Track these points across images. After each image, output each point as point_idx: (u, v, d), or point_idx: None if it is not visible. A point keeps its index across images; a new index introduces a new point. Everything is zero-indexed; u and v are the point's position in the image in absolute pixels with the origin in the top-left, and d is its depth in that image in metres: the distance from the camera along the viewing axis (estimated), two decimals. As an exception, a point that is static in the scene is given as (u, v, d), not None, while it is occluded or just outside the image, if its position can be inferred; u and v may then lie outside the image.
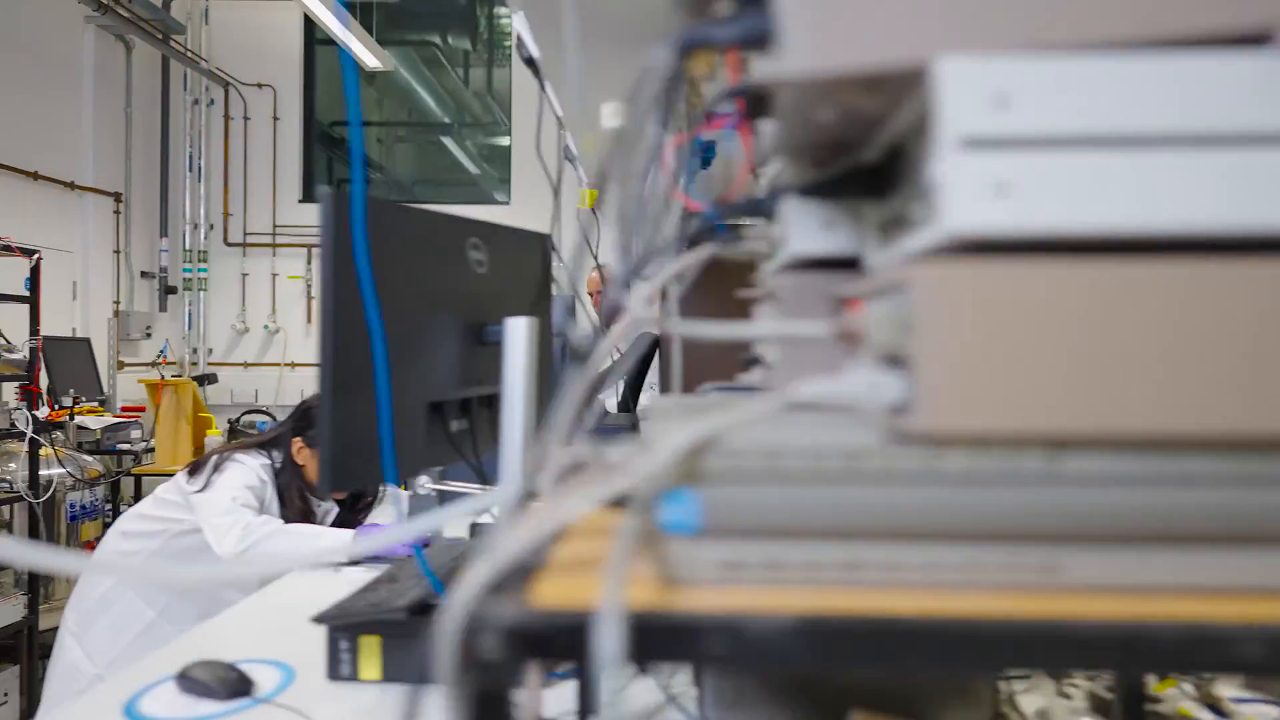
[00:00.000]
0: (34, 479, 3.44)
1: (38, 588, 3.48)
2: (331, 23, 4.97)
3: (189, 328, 6.41)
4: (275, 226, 6.54)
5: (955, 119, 0.47)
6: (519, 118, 6.57)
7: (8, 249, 3.36)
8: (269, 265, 6.54)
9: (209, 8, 6.33)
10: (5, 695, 3.38)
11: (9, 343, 3.42)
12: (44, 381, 3.80)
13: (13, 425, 3.38)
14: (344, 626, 1.30)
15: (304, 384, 6.40)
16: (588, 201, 2.70)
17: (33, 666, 3.55)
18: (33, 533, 3.80)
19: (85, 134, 5.61)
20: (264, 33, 6.53)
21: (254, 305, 6.54)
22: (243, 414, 5.23)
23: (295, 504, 2.25)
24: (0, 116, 4.81)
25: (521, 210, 6.50)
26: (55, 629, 2.37)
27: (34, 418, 3.42)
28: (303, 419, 2.31)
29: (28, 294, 3.52)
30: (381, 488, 2.38)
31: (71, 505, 3.80)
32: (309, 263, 6.49)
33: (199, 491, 2.20)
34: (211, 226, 6.51)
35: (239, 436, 4.58)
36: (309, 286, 6.50)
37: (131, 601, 2.26)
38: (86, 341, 4.93)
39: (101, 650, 2.24)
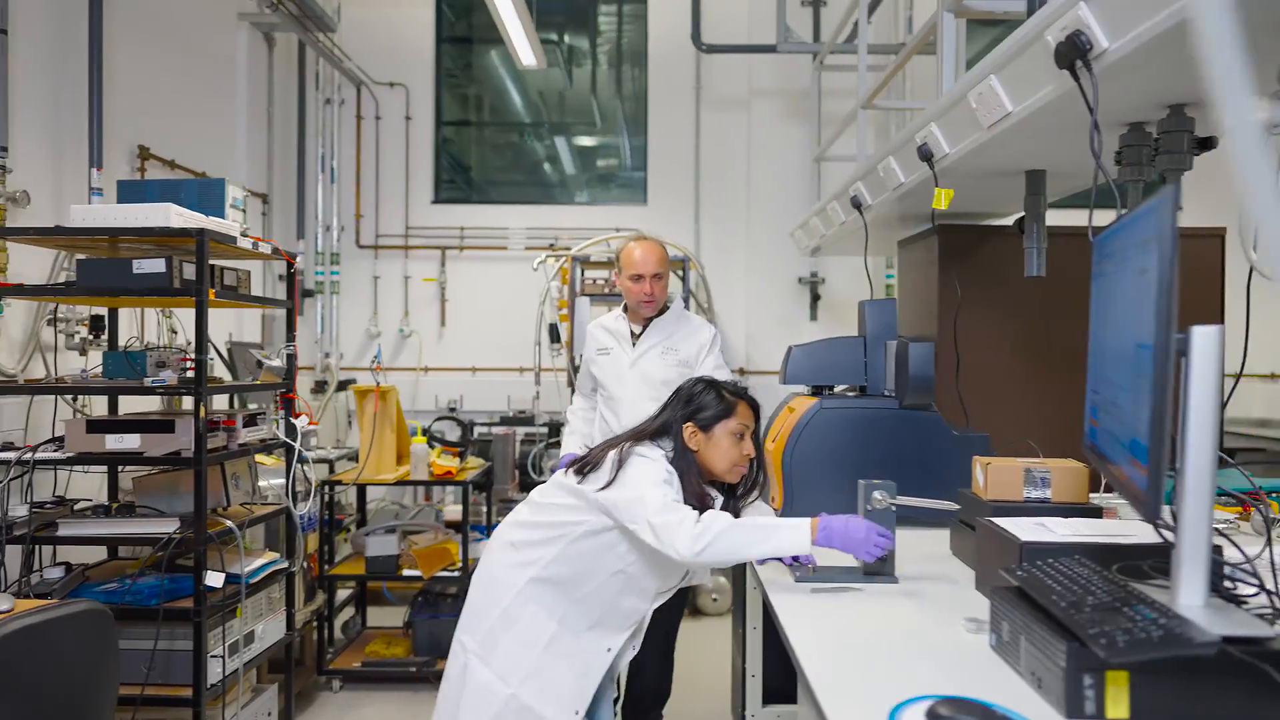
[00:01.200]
0: (290, 489, 3.32)
1: (292, 601, 3.36)
2: (507, 13, 4.85)
3: (321, 331, 6.29)
4: (408, 228, 6.42)
5: None
6: (657, 118, 6.46)
7: (275, 251, 3.23)
8: (401, 268, 6.42)
9: (341, 5, 6.20)
10: (269, 715, 3.26)
11: (265, 351, 3.30)
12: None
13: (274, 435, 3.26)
14: (1115, 663, 1.20)
15: (438, 389, 6.30)
16: (944, 202, 2.60)
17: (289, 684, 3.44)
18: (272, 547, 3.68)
19: (239, 133, 5.48)
20: (396, 30, 6.41)
21: (386, 309, 6.42)
22: (435, 420, 5.10)
23: (694, 490, 2.17)
24: (162, 114, 4.68)
25: (660, 211, 6.40)
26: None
27: (294, 426, 3.31)
28: (690, 403, 2.24)
29: (284, 299, 3.40)
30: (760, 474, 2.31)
31: (300, 518, 3.68)
32: (443, 265, 6.38)
33: (604, 489, 2.11)
34: (343, 229, 6.38)
35: (435, 446, 4.47)
36: (442, 289, 6.39)
37: (535, 615, 2.17)
38: (259, 346, 4.80)
39: (513, 668, 2.15)
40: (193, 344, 3.90)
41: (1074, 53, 1.68)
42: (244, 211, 3.17)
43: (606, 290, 5.43)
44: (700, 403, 2.21)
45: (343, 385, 6.00)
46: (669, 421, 2.24)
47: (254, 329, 5.60)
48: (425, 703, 4.09)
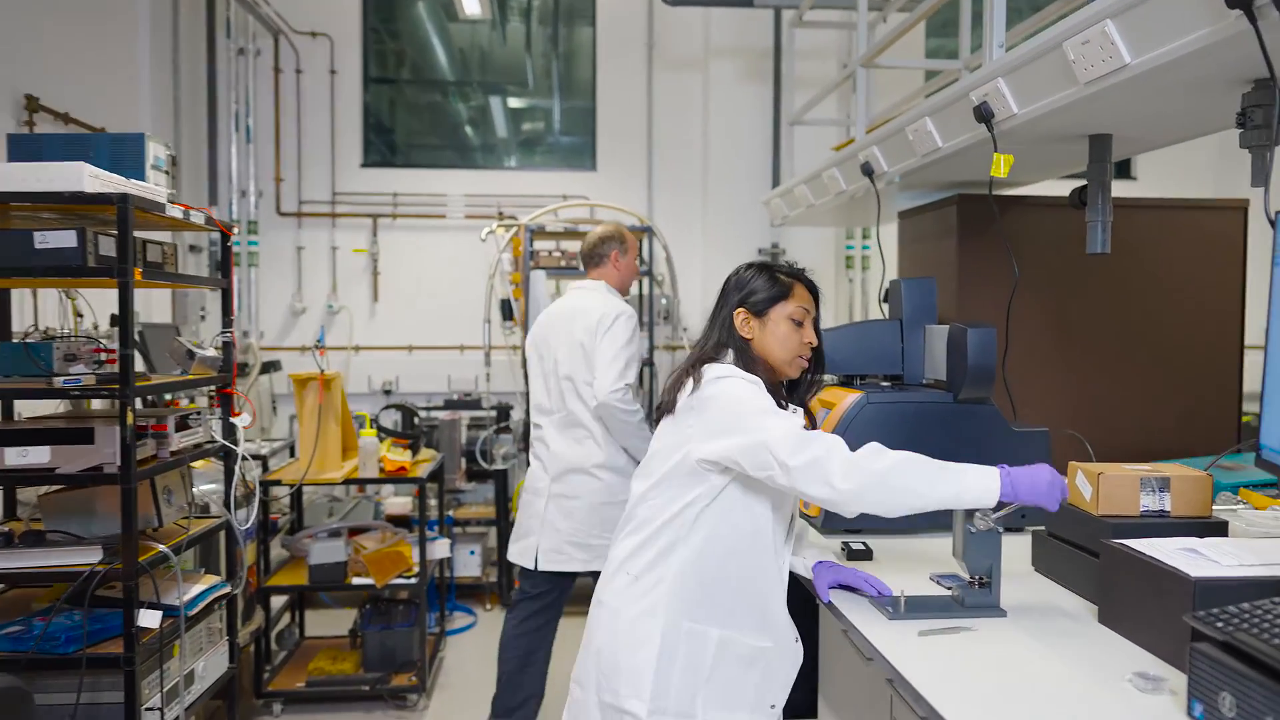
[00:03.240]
0: (231, 499, 2.85)
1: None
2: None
3: (239, 308, 5.69)
4: (334, 194, 5.86)
5: None
6: (607, 77, 6.03)
7: (208, 220, 2.73)
8: (328, 237, 5.86)
9: (255, -57, 5.55)
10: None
11: (197, 342, 2.80)
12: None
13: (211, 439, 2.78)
14: None
15: (371, 369, 5.80)
16: (1003, 169, 2.30)
17: None
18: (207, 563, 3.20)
19: (141, 85, 4.83)
20: (317, -26, 5.80)
21: (312, 282, 5.86)
22: (383, 408, 4.60)
23: (769, 389, 1.84)
24: (52, 61, 4.04)
25: (610, 178, 6.00)
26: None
27: (234, 427, 2.83)
28: (737, 289, 1.93)
29: (219, 277, 2.90)
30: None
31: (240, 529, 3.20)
32: (374, 234, 5.85)
33: (706, 445, 1.76)
34: (261, 194, 5.78)
35: (384, 438, 4.00)
36: (374, 260, 5.86)
37: (693, 634, 1.79)
38: (175, 328, 4.25)
39: (689, 700, 1.78)
40: (103, 329, 3.37)
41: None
42: (168, 174, 2.65)
43: (563, 263, 5.02)
44: (752, 286, 1.91)
45: (266, 368, 5.44)
46: (721, 320, 1.92)
47: (164, 308, 5.00)
48: (380, 726, 3.68)
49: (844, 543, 2.16)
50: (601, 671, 1.83)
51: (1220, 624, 1.26)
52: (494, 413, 5.29)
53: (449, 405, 5.44)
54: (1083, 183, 2.44)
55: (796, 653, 1.89)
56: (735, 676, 1.79)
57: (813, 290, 1.94)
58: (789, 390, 1.95)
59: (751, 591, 1.82)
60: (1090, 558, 1.77)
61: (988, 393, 2.29)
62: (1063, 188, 3.57)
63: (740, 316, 1.90)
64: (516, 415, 5.36)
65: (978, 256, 3.03)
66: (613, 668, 1.80)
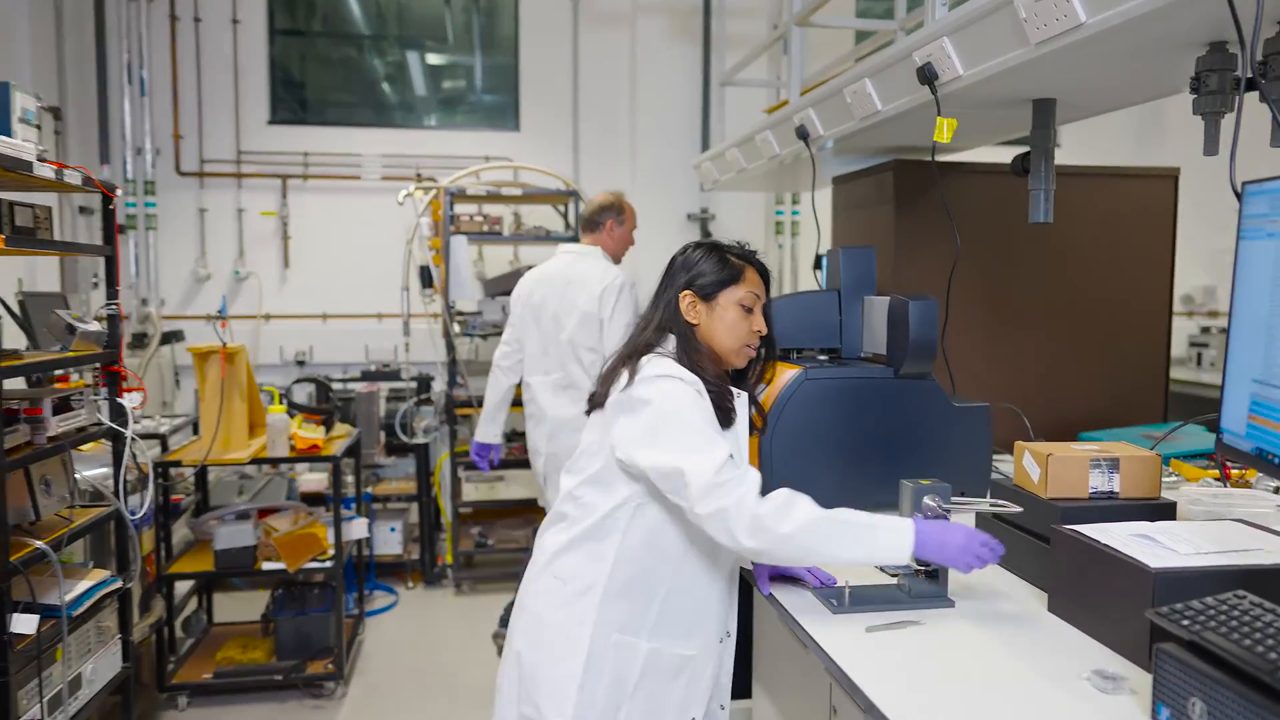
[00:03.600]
0: (121, 485, 2.62)
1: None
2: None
3: (136, 274, 5.33)
4: (239, 153, 5.50)
5: None
6: (530, 34, 5.78)
7: (86, 181, 2.46)
8: (233, 199, 5.51)
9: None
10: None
11: (78, 317, 2.54)
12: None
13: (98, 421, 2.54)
14: None
15: (283, 339, 5.51)
16: (946, 134, 2.21)
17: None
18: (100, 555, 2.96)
19: (19, 30, 4.42)
20: (216, -86, 5.39)
21: (217, 247, 5.51)
22: (295, 381, 4.32)
23: (713, 384, 1.71)
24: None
25: (534, 139, 5.77)
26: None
27: (122, 407, 2.59)
28: (684, 269, 1.79)
29: (101, 244, 2.63)
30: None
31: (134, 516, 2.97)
32: (284, 196, 5.52)
33: (629, 447, 1.63)
34: (159, 152, 5.39)
35: (295, 413, 3.77)
36: (284, 224, 5.54)
37: (621, 646, 1.68)
38: (62, 297, 3.92)
39: (608, 717, 1.66)
40: (-27, 300, 3.06)
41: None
42: (39, 128, 2.38)
43: (486, 228, 4.81)
44: (700, 267, 1.77)
45: (167, 338, 5.11)
46: (665, 302, 1.78)
47: (51, 275, 4.63)
48: (292, 716, 3.50)
49: (782, 526, 2.06)
50: (522, 679, 1.70)
51: (1186, 622, 1.19)
52: (414, 384, 5.07)
53: (366, 377, 5.20)
54: (1025, 149, 2.36)
55: (721, 653, 1.80)
56: (660, 689, 1.69)
57: (764, 274, 1.82)
58: (735, 379, 1.82)
59: (686, 600, 1.71)
60: (1038, 542, 1.71)
61: (929, 368, 2.20)
62: (996, 154, 3.52)
63: (686, 300, 1.76)
64: (438, 387, 5.16)
65: (915, 224, 2.95)
66: (534, 678, 1.68)
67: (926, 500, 1.62)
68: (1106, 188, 3.09)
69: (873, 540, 1.55)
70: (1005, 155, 2.53)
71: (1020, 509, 1.63)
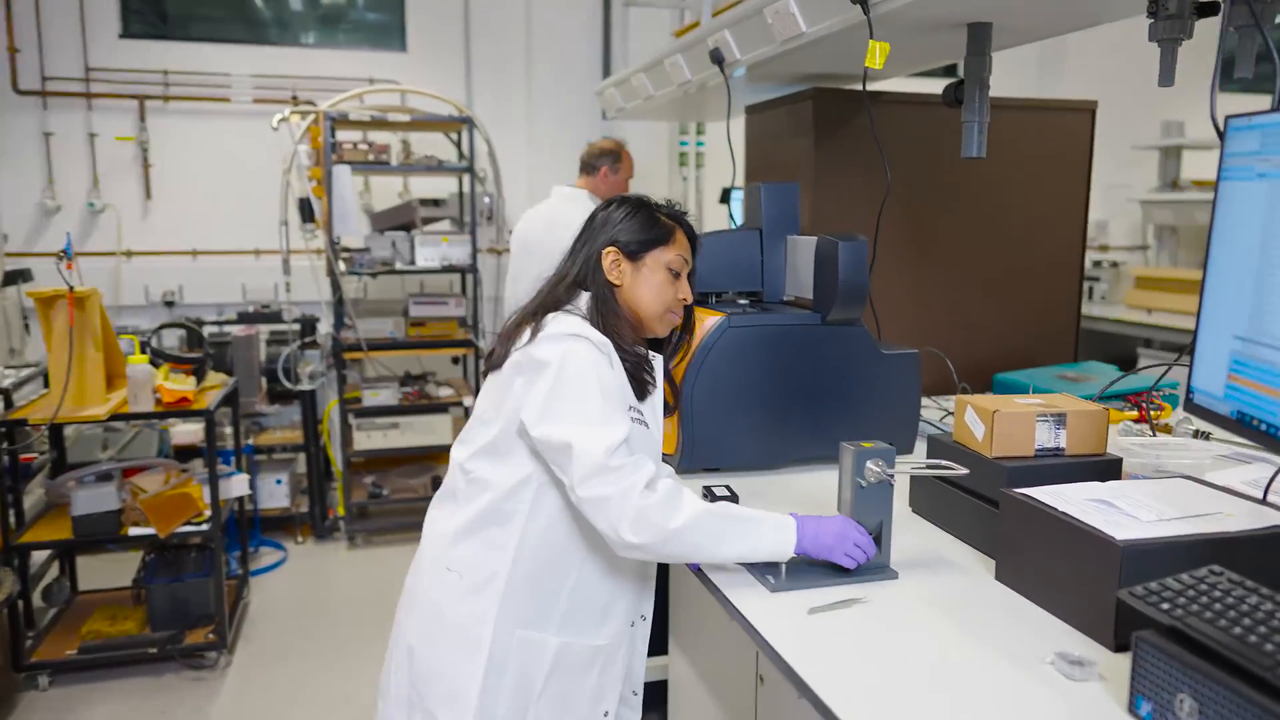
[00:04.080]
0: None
1: None
2: None
3: (-28, 206, 4.75)
4: (88, 69, 4.92)
5: None
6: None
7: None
8: (83, 122, 4.95)
9: None
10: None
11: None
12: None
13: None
14: None
15: (147, 278, 5.04)
16: (879, 59, 2.03)
17: None
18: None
19: None
20: None
21: (66, 176, 4.96)
22: (162, 327, 3.89)
23: (629, 352, 1.56)
24: None
25: (423, 61, 5.36)
26: None
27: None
28: (608, 225, 1.63)
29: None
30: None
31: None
32: (142, 119, 4.99)
33: (525, 415, 1.45)
34: (-8, 67, 4.78)
35: (160, 363, 3.40)
36: (144, 150, 5.02)
37: (527, 644, 1.52)
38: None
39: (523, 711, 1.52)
40: None
41: None
42: None
43: (372, 157, 4.44)
44: (628, 224, 1.61)
45: (12, 278, 4.59)
46: (586, 257, 1.61)
47: None
48: (170, 691, 3.24)
49: (705, 487, 1.91)
50: (414, 681, 1.52)
51: (1166, 606, 1.08)
52: (297, 326, 4.72)
53: (244, 319, 4.81)
54: (957, 79, 2.21)
55: (634, 637, 1.66)
56: (570, 686, 1.54)
57: (693, 239, 1.67)
58: (651, 349, 1.66)
59: (599, 588, 1.55)
60: (981, 504, 1.59)
61: (858, 312, 2.06)
62: (918, 85, 3.38)
63: (610, 257, 1.58)
64: (324, 329, 4.81)
65: (835, 157, 2.80)
66: (429, 680, 1.50)
67: (870, 465, 1.48)
68: (1024, 120, 2.98)
69: (757, 536, 1.43)
70: (926, 86, 2.39)
71: (966, 470, 1.51)
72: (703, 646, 2.24)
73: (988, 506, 1.57)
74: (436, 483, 4.73)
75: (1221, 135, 1.21)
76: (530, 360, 1.47)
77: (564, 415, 1.41)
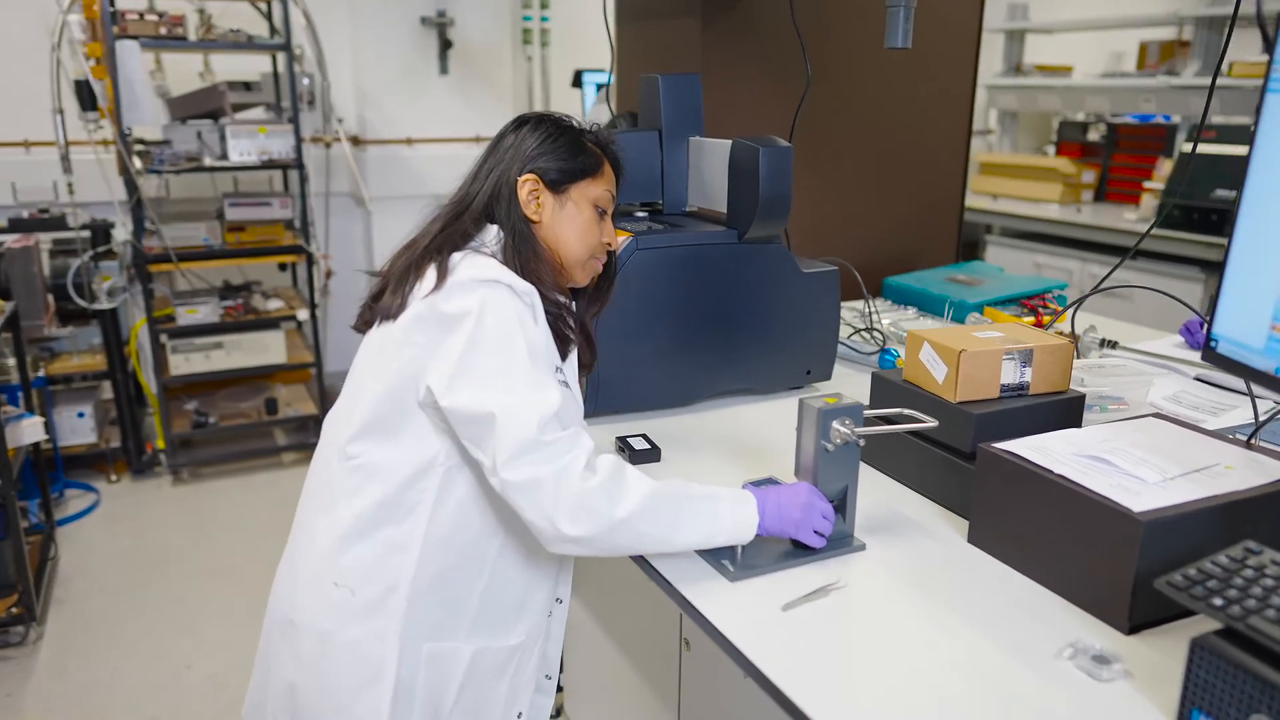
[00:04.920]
0: None
1: None
2: None
3: None
4: None
5: None
6: None
7: None
8: None
9: None
10: None
11: None
12: None
13: None
14: None
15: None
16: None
17: None
18: None
19: None
20: None
21: None
22: None
23: (552, 301, 1.27)
24: None
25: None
26: None
27: None
28: (519, 147, 1.31)
29: None
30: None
31: None
32: None
33: (433, 381, 1.16)
34: None
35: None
36: None
37: (437, 656, 1.28)
38: None
39: None
40: None
41: None
42: None
43: (164, 30, 3.74)
44: (548, 148, 1.31)
45: None
46: (495, 185, 1.29)
47: None
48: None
49: (619, 438, 1.66)
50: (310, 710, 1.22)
51: (1218, 603, 0.93)
52: (87, 234, 4.03)
53: (17, 226, 4.06)
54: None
55: (550, 625, 1.43)
56: (483, 692, 1.31)
57: (619, 174, 1.39)
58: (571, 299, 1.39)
59: (514, 582, 1.31)
60: (944, 454, 1.43)
61: (779, 228, 1.82)
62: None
63: (528, 187, 1.28)
64: (121, 236, 4.14)
65: (724, 43, 2.50)
66: (321, 717, 1.21)
67: (836, 425, 1.26)
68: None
69: (715, 518, 1.20)
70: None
71: (936, 423, 1.32)
72: (612, 610, 2.03)
73: (952, 458, 1.41)
74: (271, 405, 4.26)
75: (1270, 43, 1.02)
76: (436, 313, 1.16)
77: (484, 380, 1.12)
